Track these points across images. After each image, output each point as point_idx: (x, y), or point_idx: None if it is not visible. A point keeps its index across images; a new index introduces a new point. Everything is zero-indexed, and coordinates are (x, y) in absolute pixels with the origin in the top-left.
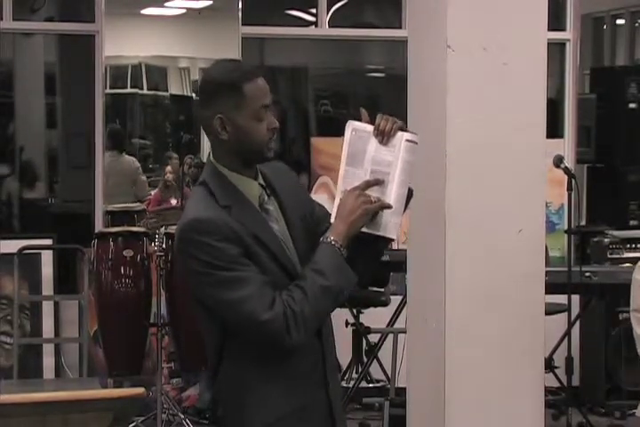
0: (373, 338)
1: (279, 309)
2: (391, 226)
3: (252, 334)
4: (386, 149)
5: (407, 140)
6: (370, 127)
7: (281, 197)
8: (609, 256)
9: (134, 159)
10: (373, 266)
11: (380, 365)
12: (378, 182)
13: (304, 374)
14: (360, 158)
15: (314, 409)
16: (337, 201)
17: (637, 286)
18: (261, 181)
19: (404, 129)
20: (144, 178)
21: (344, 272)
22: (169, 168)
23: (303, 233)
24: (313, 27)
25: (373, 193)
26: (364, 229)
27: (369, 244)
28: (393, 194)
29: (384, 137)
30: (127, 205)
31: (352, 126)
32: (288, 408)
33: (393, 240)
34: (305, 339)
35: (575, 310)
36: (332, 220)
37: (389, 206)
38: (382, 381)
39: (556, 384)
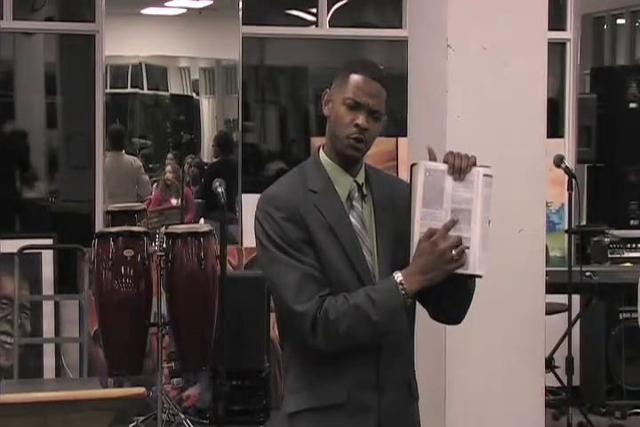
0: None
1: (314, 307)
2: (479, 262)
3: (284, 320)
4: (463, 185)
5: (485, 175)
6: (443, 166)
7: (377, 204)
8: (609, 256)
9: (135, 158)
10: (463, 303)
11: None
12: (454, 223)
13: (350, 372)
14: (438, 199)
15: (356, 411)
16: (414, 243)
17: None
18: (360, 181)
19: (475, 163)
20: (146, 177)
21: (396, 318)
22: (169, 168)
23: (392, 243)
24: (313, 26)
25: (458, 233)
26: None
27: (456, 281)
28: (478, 231)
29: (461, 174)
30: (127, 204)
31: (425, 167)
32: (322, 402)
33: (481, 277)
34: (329, 349)
35: (575, 309)
36: (411, 259)
37: (463, 264)
38: None
39: (557, 384)
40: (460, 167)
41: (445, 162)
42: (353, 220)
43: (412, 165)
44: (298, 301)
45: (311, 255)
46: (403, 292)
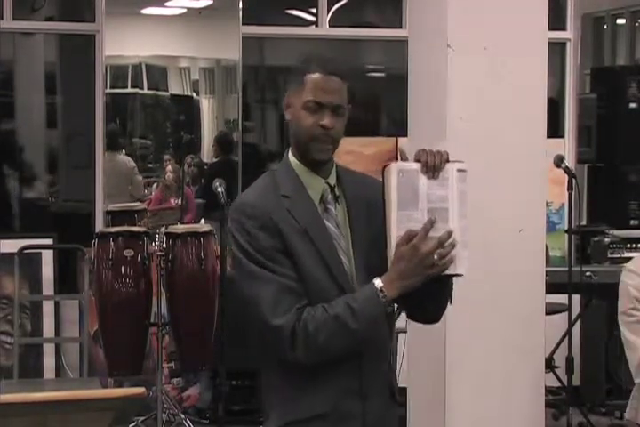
0: None
1: (292, 319)
2: (459, 261)
3: (263, 335)
4: (437, 183)
5: (458, 171)
6: (416, 165)
7: (350, 205)
8: (609, 256)
9: (129, 159)
10: (443, 302)
11: None
12: (433, 223)
13: (333, 382)
14: (413, 200)
15: (341, 419)
16: (392, 247)
17: (625, 289)
18: (332, 182)
19: (448, 159)
20: (140, 178)
21: (377, 326)
22: (169, 168)
23: (367, 244)
24: (313, 26)
25: (436, 232)
26: None
27: (437, 282)
28: (457, 228)
29: (434, 172)
30: (127, 204)
31: (398, 168)
32: (305, 413)
33: (462, 275)
34: (309, 362)
35: (576, 309)
36: (389, 264)
37: (446, 269)
38: None
39: (557, 384)
40: (433, 165)
41: (417, 160)
42: (328, 223)
43: (384, 167)
44: (275, 314)
45: (286, 264)
46: (383, 300)
